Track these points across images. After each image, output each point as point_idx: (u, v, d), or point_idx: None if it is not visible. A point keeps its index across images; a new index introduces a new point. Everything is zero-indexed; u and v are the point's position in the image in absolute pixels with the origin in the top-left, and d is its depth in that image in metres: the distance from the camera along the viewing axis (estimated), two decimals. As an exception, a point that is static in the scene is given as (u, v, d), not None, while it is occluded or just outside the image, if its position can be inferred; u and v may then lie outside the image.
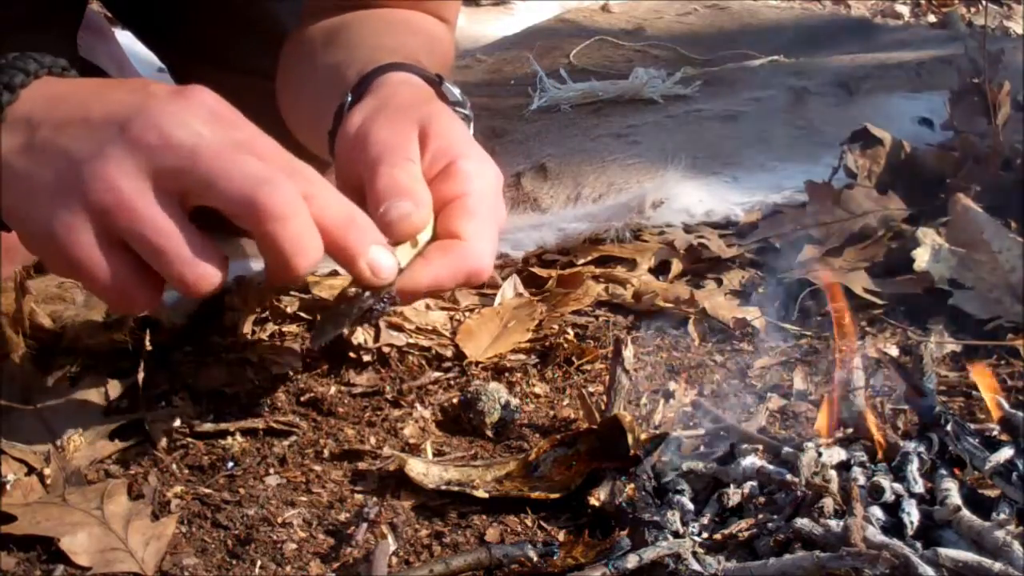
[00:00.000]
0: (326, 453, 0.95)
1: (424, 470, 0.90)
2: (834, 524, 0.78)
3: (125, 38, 1.83)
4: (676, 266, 1.28)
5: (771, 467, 0.86)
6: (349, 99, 0.96)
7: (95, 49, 1.58)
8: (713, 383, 1.07)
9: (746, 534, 0.80)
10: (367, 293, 0.84)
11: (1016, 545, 0.75)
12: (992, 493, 0.83)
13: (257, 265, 1.14)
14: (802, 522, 0.79)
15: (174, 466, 0.93)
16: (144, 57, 1.79)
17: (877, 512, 0.80)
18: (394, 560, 0.82)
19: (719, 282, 1.25)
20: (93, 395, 0.98)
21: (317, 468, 0.93)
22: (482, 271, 0.88)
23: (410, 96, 0.94)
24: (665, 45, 2.09)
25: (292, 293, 1.14)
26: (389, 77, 0.96)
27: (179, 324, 1.08)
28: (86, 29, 1.51)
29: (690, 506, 0.84)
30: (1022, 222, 1.21)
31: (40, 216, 0.77)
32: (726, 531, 0.80)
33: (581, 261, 1.30)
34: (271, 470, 0.92)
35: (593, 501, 0.85)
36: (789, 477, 0.84)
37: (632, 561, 0.77)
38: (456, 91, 1.01)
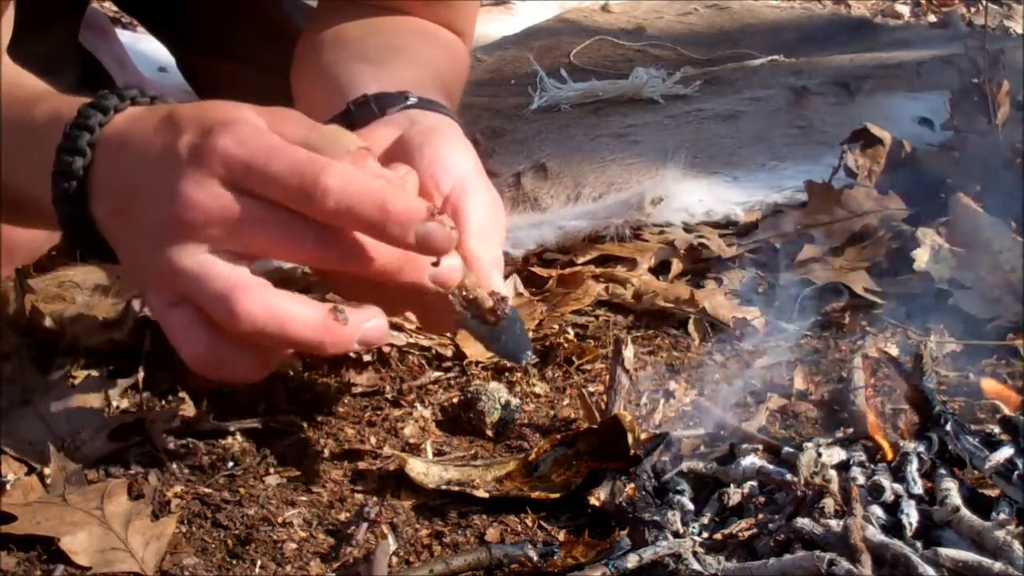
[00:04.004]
0: (326, 453, 0.95)
1: (424, 470, 0.90)
2: (834, 524, 0.78)
3: (127, 37, 1.83)
4: (676, 266, 1.28)
5: (771, 467, 0.86)
6: None
7: (97, 48, 1.58)
8: (713, 383, 1.06)
9: (746, 534, 0.80)
10: None
11: (1016, 545, 0.75)
12: (992, 493, 0.83)
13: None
14: (802, 522, 0.79)
15: (174, 466, 0.93)
16: (145, 56, 1.80)
17: (877, 512, 0.80)
18: (394, 560, 0.82)
19: (719, 282, 1.25)
20: (93, 395, 0.98)
21: (317, 468, 0.93)
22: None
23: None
24: (665, 45, 2.09)
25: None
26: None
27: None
28: (88, 28, 1.51)
29: (690, 506, 0.84)
30: (1022, 222, 1.21)
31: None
32: (726, 531, 0.80)
33: (581, 260, 1.30)
34: (271, 470, 0.93)
35: (593, 501, 0.85)
36: (789, 477, 0.84)
37: (632, 561, 0.77)
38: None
